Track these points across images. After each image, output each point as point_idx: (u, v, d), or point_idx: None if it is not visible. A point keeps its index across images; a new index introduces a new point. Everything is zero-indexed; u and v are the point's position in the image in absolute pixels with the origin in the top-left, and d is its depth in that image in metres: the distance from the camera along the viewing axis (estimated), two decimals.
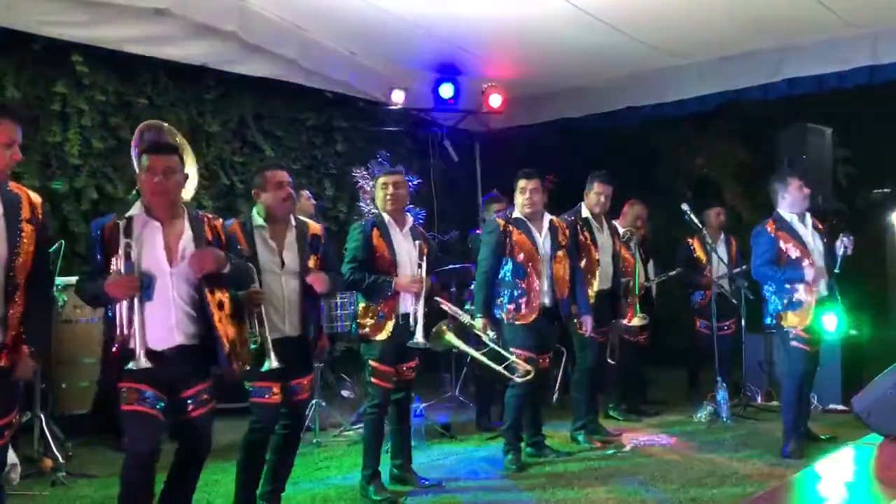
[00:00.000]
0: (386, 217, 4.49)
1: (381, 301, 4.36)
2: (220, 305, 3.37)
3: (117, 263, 3.16)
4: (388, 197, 4.49)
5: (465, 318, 4.96)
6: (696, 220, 6.40)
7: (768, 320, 5.18)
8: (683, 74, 7.49)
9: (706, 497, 4.20)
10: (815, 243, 5.09)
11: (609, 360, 5.98)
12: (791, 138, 6.88)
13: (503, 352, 4.78)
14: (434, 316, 4.72)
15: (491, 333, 4.80)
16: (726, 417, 6.00)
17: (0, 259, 2.83)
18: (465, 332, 5.05)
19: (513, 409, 4.93)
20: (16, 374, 2.91)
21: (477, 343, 4.96)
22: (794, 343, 5.01)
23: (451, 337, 4.76)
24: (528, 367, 4.74)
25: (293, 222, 3.96)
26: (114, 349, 3.20)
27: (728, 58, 7.19)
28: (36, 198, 3.03)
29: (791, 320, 5.00)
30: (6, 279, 2.86)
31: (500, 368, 4.78)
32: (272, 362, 3.63)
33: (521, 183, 4.98)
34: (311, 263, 3.91)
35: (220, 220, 3.63)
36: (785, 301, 5.01)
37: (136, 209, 3.33)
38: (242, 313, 3.58)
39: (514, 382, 4.87)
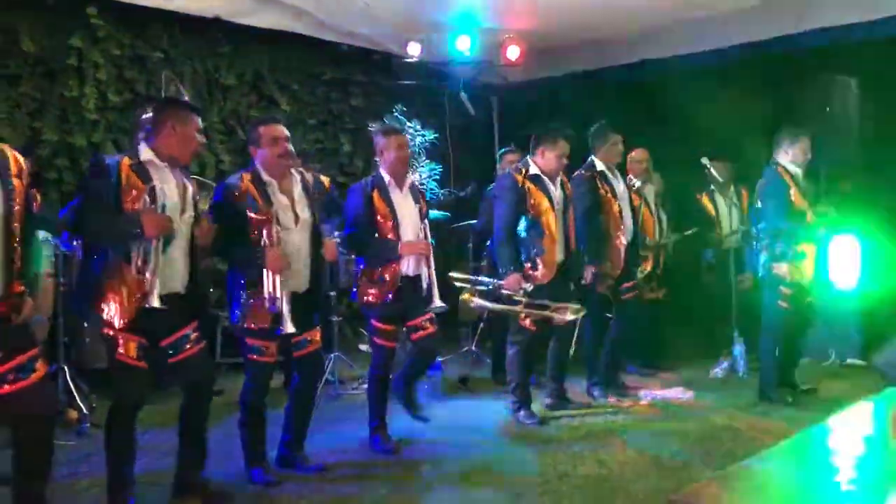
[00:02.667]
0: (386, 177, 4.40)
1: (383, 264, 4.32)
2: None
3: (139, 203, 3.25)
4: (400, 158, 4.39)
5: (489, 283, 4.94)
6: (715, 175, 6.32)
7: (761, 272, 5.23)
8: (705, 26, 7.32)
9: (722, 451, 4.22)
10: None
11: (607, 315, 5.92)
12: (815, 91, 6.73)
13: (542, 304, 4.77)
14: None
15: (526, 286, 4.75)
16: (743, 373, 6.00)
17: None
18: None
19: (517, 366, 4.95)
20: (21, 316, 2.95)
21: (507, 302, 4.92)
22: (780, 303, 5.12)
23: (478, 301, 4.78)
24: (577, 307, 4.77)
25: (295, 175, 3.94)
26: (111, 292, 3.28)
27: (751, 8, 7.01)
28: (20, 156, 3.05)
29: (789, 272, 5.07)
30: (6, 233, 2.89)
31: (548, 313, 4.77)
32: (288, 327, 3.68)
33: (565, 146, 4.87)
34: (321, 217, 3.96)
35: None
36: (786, 251, 5.07)
37: (146, 154, 3.41)
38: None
39: (513, 340, 4.92)
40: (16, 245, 2.92)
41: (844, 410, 3.33)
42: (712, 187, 6.46)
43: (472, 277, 5.16)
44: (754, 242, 5.40)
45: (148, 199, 3.28)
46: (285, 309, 3.68)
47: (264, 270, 3.67)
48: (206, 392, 3.63)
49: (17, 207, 2.92)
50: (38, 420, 3.01)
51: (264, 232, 3.69)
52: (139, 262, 3.26)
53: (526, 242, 4.83)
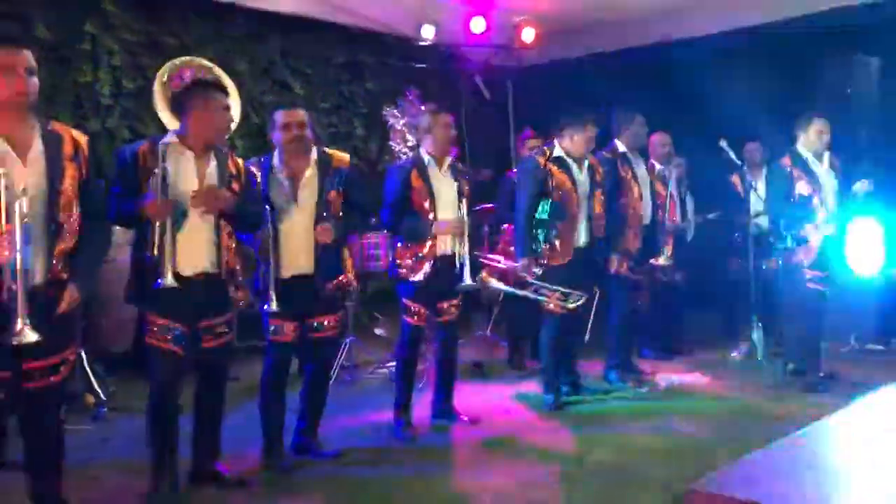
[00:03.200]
0: (426, 157, 4.41)
1: (420, 242, 4.33)
2: (229, 236, 3.54)
3: (153, 185, 3.28)
4: (448, 137, 4.42)
5: (504, 264, 4.94)
6: (734, 157, 6.23)
7: (776, 256, 5.23)
8: (724, 4, 7.21)
9: (740, 436, 4.18)
10: (828, 182, 5.16)
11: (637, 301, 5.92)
12: (835, 70, 6.62)
13: (549, 288, 4.75)
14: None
15: (537, 270, 4.75)
16: (762, 357, 5.94)
17: (40, 195, 2.83)
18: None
19: (548, 349, 4.93)
20: (60, 307, 2.92)
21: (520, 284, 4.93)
22: (809, 284, 5.08)
23: (495, 283, 4.77)
24: (576, 297, 4.74)
25: (314, 156, 3.91)
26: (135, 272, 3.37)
27: None
28: (80, 136, 3.02)
29: (798, 256, 5.07)
30: (48, 217, 2.86)
31: (546, 300, 4.75)
32: (272, 305, 3.69)
33: (594, 130, 4.84)
34: (331, 197, 3.89)
35: (241, 159, 3.74)
36: (793, 237, 5.08)
37: (170, 138, 3.44)
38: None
39: (548, 323, 4.88)
40: (60, 227, 2.88)
41: (866, 396, 3.27)
42: (745, 168, 6.36)
43: (491, 256, 5.17)
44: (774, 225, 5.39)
45: (157, 180, 3.29)
46: (270, 287, 3.70)
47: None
48: (222, 381, 3.67)
49: (65, 189, 2.88)
50: (43, 422, 2.99)
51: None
52: (154, 243, 3.28)
53: (546, 224, 4.80)
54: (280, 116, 3.86)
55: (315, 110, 7.58)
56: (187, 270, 3.35)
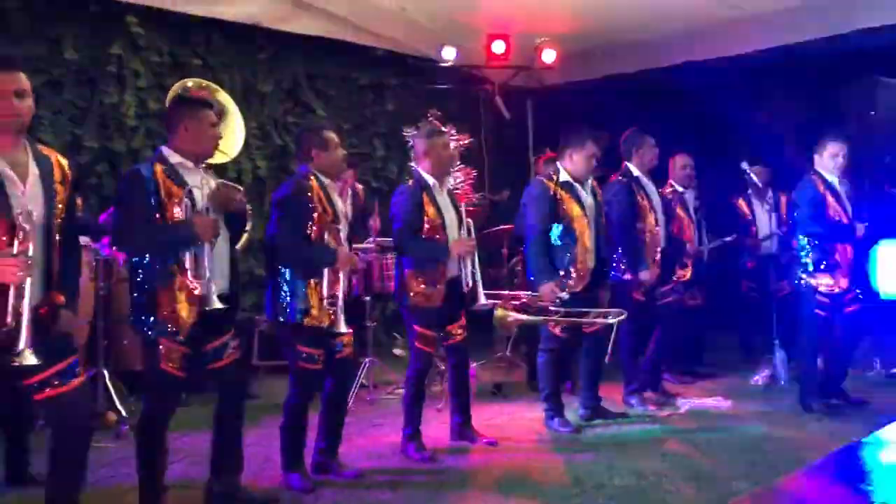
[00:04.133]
0: (431, 180, 4.42)
1: (432, 266, 4.32)
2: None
3: (180, 208, 3.28)
4: (447, 158, 4.45)
5: (523, 295, 4.92)
6: (755, 179, 6.21)
7: (797, 279, 5.18)
8: (745, 26, 7.21)
9: (763, 463, 4.13)
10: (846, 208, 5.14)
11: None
12: (859, 93, 6.59)
13: (580, 311, 4.72)
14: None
15: (564, 295, 4.69)
16: (784, 381, 5.87)
17: (39, 221, 2.86)
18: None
19: (548, 374, 4.91)
20: (56, 327, 2.90)
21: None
22: (816, 310, 5.04)
23: (515, 315, 4.75)
24: (618, 310, 4.71)
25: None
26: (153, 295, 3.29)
27: (793, 8, 6.88)
28: (62, 158, 3.04)
29: (823, 281, 5.01)
30: (47, 240, 2.89)
31: (590, 320, 4.72)
32: (341, 326, 3.73)
33: (593, 148, 4.81)
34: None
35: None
36: (820, 261, 5.01)
37: (175, 157, 3.41)
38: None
39: (543, 348, 4.89)
40: (55, 251, 2.92)
41: (891, 423, 3.23)
42: (750, 191, 6.35)
43: (505, 293, 5.15)
44: (793, 250, 5.34)
45: (188, 202, 3.31)
46: (340, 308, 3.74)
47: (326, 270, 3.76)
48: (242, 397, 3.68)
49: (58, 214, 2.92)
50: (74, 430, 2.98)
51: (326, 233, 3.78)
52: (194, 267, 3.27)
53: (558, 251, 4.77)
54: (333, 135, 3.98)
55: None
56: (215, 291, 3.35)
